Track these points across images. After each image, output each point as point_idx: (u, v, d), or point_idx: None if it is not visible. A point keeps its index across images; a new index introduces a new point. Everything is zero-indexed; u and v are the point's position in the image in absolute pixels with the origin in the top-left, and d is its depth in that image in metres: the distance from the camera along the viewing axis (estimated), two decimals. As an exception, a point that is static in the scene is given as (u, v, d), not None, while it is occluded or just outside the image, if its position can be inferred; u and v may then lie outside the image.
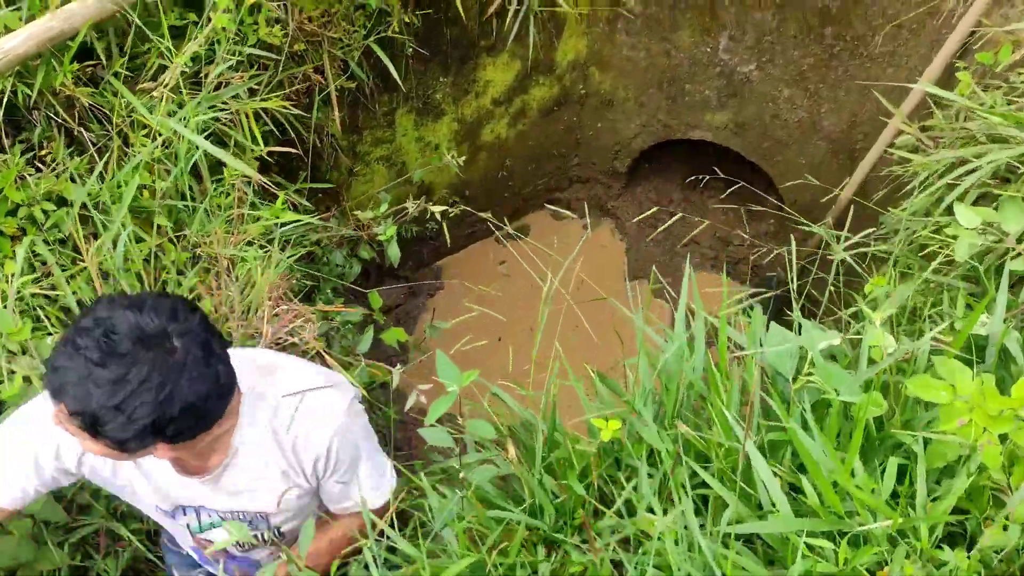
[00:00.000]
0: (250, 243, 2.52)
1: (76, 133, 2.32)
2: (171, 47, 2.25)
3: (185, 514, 1.67)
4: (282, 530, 1.74)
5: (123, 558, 2.03)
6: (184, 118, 2.30)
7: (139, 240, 2.36)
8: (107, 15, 2.15)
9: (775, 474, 1.44)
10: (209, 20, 2.17)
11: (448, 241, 3.22)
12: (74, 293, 2.14)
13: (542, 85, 4.04)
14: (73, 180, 2.30)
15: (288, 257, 2.56)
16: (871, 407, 1.48)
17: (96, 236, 2.33)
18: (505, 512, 1.63)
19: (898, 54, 3.31)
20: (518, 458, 1.74)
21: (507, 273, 4.46)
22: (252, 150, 2.56)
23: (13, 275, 1.99)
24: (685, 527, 1.39)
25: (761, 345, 1.71)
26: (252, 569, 1.89)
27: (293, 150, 2.84)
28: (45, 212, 2.22)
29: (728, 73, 3.86)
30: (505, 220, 4.56)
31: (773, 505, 1.41)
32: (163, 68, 2.42)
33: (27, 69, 2.16)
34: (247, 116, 2.56)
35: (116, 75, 2.31)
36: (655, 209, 4.48)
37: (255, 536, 1.70)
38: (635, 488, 1.56)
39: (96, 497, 2.05)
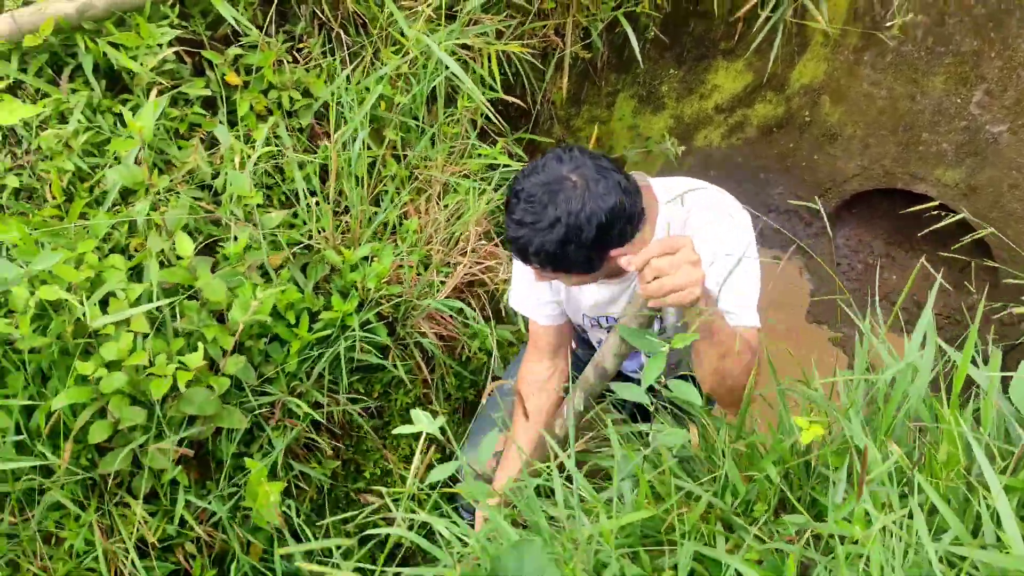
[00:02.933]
0: (465, 176, 2.55)
1: (335, 34, 2.41)
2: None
3: (607, 321, 1.99)
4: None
5: (290, 434, 2.08)
6: (437, 41, 2.35)
7: (367, 148, 2.44)
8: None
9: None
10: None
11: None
12: (305, 179, 2.23)
13: (768, 102, 3.90)
14: (320, 77, 2.41)
15: (497, 199, 2.58)
16: None
17: (328, 135, 2.42)
18: (686, 483, 1.54)
19: None
20: (702, 437, 1.67)
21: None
22: (489, 89, 2.59)
23: (256, 143, 2.09)
24: (899, 538, 1.26)
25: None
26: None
27: (519, 101, 2.85)
28: (291, 99, 2.32)
29: (974, 129, 3.59)
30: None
31: (998, 539, 1.25)
32: (425, -9, 2.49)
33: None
34: (489, 57, 2.60)
35: (384, -13, 2.39)
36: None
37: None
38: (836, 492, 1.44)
39: (279, 373, 2.12)
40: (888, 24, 3.28)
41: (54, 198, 2.04)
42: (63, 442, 1.87)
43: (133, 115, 2.04)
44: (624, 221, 1.53)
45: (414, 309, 2.31)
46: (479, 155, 2.55)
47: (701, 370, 1.62)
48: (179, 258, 1.97)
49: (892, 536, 1.29)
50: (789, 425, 1.66)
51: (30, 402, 1.85)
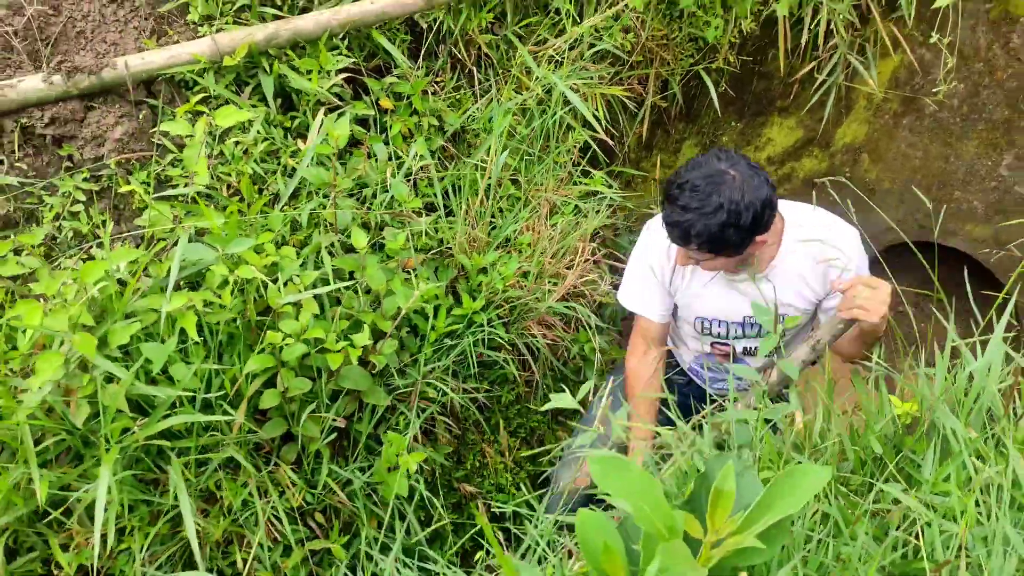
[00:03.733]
0: (568, 200, 2.87)
1: (468, 71, 2.76)
2: (569, 21, 2.67)
3: (719, 325, 2.25)
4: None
5: (423, 415, 2.36)
6: (560, 77, 2.70)
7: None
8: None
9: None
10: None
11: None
12: (443, 192, 2.55)
13: (814, 157, 4.27)
14: (453, 108, 2.75)
15: (595, 223, 2.90)
16: None
17: (455, 157, 2.75)
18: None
19: None
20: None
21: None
22: (597, 123, 2.93)
23: (413, 156, 2.41)
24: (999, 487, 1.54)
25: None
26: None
27: (609, 139, 3.19)
28: (429, 125, 2.66)
29: (1004, 190, 3.95)
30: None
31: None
32: (544, 40, 2.85)
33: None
34: (594, 98, 2.95)
35: (514, 33, 2.75)
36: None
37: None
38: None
39: (415, 360, 2.40)
40: (935, 90, 3.66)
41: (235, 195, 2.35)
42: (233, 410, 2.13)
43: (307, 130, 2.37)
44: (771, 211, 1.85)
45: (528, 312, 2.60)
46: (583, 183, 2.88)
47: (848, 351, 2.11)
48: (347, 252, 2.28)
49: (990, 489, 1.57)
50: (878, 410, 1.96)
51: (217, 365, 2.12)
